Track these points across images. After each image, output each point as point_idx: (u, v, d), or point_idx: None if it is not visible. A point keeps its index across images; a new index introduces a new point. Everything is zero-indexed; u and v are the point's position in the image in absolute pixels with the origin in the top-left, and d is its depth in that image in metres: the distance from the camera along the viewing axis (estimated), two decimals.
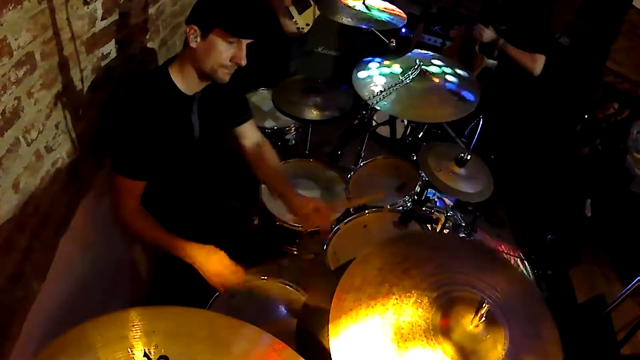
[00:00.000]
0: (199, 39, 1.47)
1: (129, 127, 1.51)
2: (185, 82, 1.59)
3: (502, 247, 3.09)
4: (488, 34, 2.84)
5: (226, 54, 1.48)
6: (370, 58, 2.13)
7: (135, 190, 1.57)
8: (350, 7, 2.29)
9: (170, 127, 1.59)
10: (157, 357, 0.77)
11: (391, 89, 1.88)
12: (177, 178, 1.76)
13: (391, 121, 2.83)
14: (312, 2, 2.80)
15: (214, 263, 1.48)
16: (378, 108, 1.87)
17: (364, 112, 2.28)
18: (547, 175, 3.42)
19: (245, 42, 1.50)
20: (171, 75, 1.57)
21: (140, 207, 1.59)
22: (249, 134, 1.90)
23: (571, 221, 3.16)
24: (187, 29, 1.47)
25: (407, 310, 0.91)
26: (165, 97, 1.56)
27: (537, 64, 2.82)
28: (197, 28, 1.45)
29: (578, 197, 3.23)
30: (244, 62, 1.51)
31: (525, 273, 2.84)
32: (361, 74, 2.01)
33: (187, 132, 1.70)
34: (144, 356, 0.77)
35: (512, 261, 2.95)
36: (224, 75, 1.55)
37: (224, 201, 2.10)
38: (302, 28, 2.86)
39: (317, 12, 2.82)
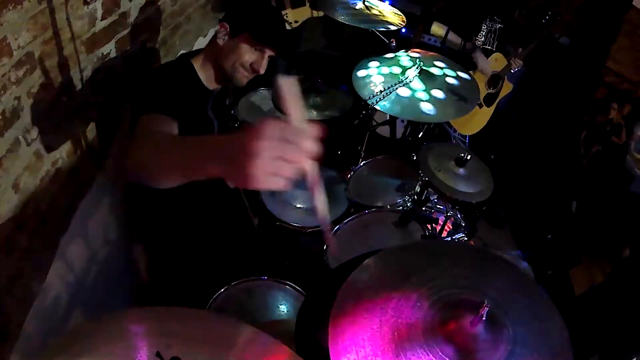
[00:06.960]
0: (227, 37, 1.53)
1: (159, 75, 1.55)
2: (206, 76, 1.64)
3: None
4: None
5: (248, 57, 1.55)
6: (370, 58, 2.12)
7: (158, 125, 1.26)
8: (350, 6, 2.29)
9: (190, 111, 1.45)
10: (161, 357, 0.77)
11: (391, 89, 1.88)
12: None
13: (391, 121, 2.83)
14: (306, 3, 2.82)
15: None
16: (378, 108, 1.86)
17: (364, 112, 2.27)
18: (546, 175, 3.42)
19: (268, 52, 1.56)
20: (195, 67, 1.62)
21: None
22: None
23: (565, 221, 3.17)
24: (218, 26, 1.53)
25: (406, 312, 0.91)
26: (188, 83, 1.59)
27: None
28: (228, 27, 1.52)
29: (569, 198, 3.23)
30: (262, 71, 1.58)
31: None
32: (361, 74, 2.01)
33: (206, 125, 1.72)
34: (143, 356, 0.77)
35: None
36: (243, 78, 1.60)
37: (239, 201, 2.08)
38: (291, 22, 2.87)
39: (311, 14, 2.83)
